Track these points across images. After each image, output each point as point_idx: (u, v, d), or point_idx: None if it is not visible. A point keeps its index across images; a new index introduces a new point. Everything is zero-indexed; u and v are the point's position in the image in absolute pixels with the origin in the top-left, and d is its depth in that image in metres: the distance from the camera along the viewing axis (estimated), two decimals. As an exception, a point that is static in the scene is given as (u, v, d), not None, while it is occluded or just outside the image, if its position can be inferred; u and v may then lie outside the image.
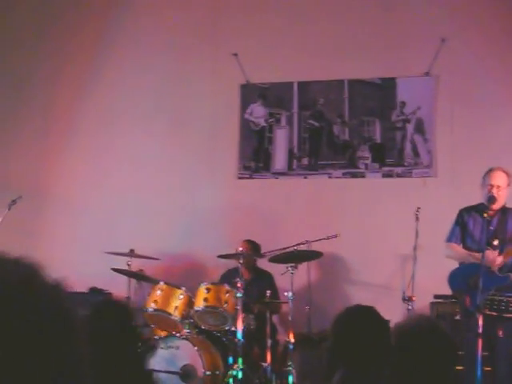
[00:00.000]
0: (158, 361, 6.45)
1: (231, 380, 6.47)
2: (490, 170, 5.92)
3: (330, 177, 8.00)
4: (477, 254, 5.65)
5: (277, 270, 7.24)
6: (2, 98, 8.73)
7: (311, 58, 8.08)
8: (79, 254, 8.16)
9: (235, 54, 8.16)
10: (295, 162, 8.12)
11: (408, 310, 5.89)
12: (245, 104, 8.26)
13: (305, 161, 8.10)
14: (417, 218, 6.04)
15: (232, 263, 7.08)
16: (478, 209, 5.89)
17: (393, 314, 7.05)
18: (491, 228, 5.73)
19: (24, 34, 8.77)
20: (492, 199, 5.78)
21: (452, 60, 7.69)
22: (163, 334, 6.86)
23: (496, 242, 5.66)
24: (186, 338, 6.69)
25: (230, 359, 6.64)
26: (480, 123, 7.64)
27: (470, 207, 6.02)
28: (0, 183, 8.42)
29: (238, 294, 6.59)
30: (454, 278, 5.86)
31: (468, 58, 7.71)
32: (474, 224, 5.94)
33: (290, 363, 6.69)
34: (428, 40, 7.77)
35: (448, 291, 5.98)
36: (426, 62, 7.71)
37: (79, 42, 8.63)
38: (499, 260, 5.64)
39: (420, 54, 7.79)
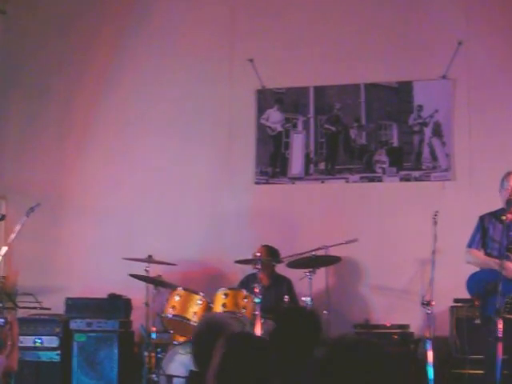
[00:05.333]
0: (176, 366, 6.47)
1: (250, 385, 6.49)
2: (509, 174, 5.90)
3: (347, 181, 8.00)
4: (497, 261, 5.63)
5: (295, 276, 7.26)
6: (19, 107, 8.80)
7: (327, 62, 8.10)
8: (97, 261, 8.23)
9: (251, 60, 8.18)
10: (312, 166, 8.12)
11: (427, 314, 5.88)
12: (261, 109, 8.27)
13: (322, 165, 8.10)
14: (435, 222, 6.03)
15: (250, 269, 7.10)
16: (498, 214, 5.86)
17: (412, 318, 7.13)
18: (511, 234, 5.72)
19: (41, 44, 8.82)
20: (511, 202, 5.76)
21: (469, 63, 7.69)
22: (182, 339, 6.89)
23: None
24: (205, 344, 6.71)
25: (249, 365, 6.65)
26: (498, 126, 7.63)
27: (491, 213, 6.00)
28: (18, 191, 8.50)
29: (256, 300, 6.61)
30: (473, 282, 5.86)
31: (485, 61, 7.69)
32: (494, 229, 5.92)
33: (309, 368, 6.70)
34: (445, 43, 7.77)
35: (467, 295, 5.96)
36: (442, 65, 7.70)
37: (95, 51, 8.67)
38: None
39: (437, 57, 7.78)
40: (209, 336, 3.28)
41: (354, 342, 2.30)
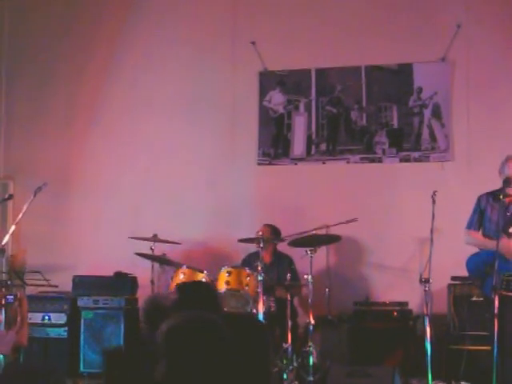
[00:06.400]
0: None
1: (253, 360, 6.64)
2: (508, 159, 5.92)
3: (347, 162, 8.09)
4: (494, 242, 5.71)
5: (296, 254, 7.38)
6: (27, 89, 8.87)
7: (328, 45, 8.16)
8: (104, 240, 8.32)
9: (253, 43, 8.24)
10: (313, 147, 8.21)
11: (425, 291, 5.99)
12: (263, 91, 8.35)
13: (323, 146, 8.19)
14: (433, 202, 6.08)
15: (253, 247, 7.20)
16: (496, 194, 5.90)
17: (410, 295, 7.26)
18: (508, 214, 5.80)
19: (47, 28, 8.88)
20: (508, 181, 5.82)
21: (468, 45, 7.74)
22: (187, 316, 7.02)
23: (511, 230, 5.73)
24: (209, 320, 6.85)
25: (252, 340, 6.80)
26: (496, 107, 7.71)
27: (488, 193, 6.04)
28: (26, 171, 8.60)
29: (259, 277, 6.74)
30: (472, 263, 5.92)
31: (483, 43, 7.75)
32: (491, 210, 5.96)
33: (310, 344, 6.84)
34: (444, 26, 7.83)
35: (465, 273, 6.04)
36: (442, 48, 7.77)
37: (102, 34, 8.73)
38: None
39: (436, 40, 7.84)
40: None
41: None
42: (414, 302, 7.25)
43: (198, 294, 3.78)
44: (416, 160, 7.90)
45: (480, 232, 6.04)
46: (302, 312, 7.53)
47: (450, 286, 7.07)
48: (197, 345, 2.34)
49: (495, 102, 7.73)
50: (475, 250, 6.04)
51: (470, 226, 6.09)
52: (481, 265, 5.79)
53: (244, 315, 3.83)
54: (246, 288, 6.86)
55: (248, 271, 6.92)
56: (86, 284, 7.78)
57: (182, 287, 4.11)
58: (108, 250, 8.19)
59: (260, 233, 7.09)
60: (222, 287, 6.88)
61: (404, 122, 7.99)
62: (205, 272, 7.03)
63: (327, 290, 7.62)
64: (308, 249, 7.05)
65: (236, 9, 8.43)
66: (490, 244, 5.77)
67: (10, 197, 7.58)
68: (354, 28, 8.12)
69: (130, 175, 8.49)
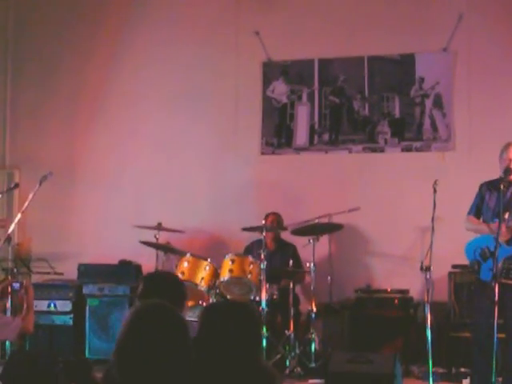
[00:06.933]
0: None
1: (256, 347, 6.72)
2: (509, 145, 6.02)
3: (350, 152, 8.15)
4: (491, 225, 5.84)
5: (299, 242, 7.46)
6: (32, 79, 8.92)
7: (332, 35, 8.20)
8: (109, 228, 8.40)
9: (257, 33, 8.29)
10: (316, 137, 8.27)
11: (426, 279, 6.04)
12: (267, 81, 8.40)
13: (325, 136, 8.25)
14: (435, 191, 6.10)
15: (256, 235, 7.28)
16: (496, 182, 5.99)
17: (412, 282, 7.32)
18: (504, 200, 5.84)
19: (52, 16, 8.93)
20: (509, 171, 5.92)
21: (469, 35, 7.78)
22: (190, 303, 7.06)
23: (507, 215, 5.80)
24: (213, 308, 6.93)
25: (255, 327, 6.88)
26: (497, 97, 7.75)
27: (490, 181, 6.14)
28: (31, 161, 8.66)
29: (262, 265, 6.83)
30: (470, 249, 6.00)
31: (485, 34, 7.79)
32: (490, 197, 6.07)
33: (312, 331, 6.95)
34: (446, 16, 7.86)
35: (465, 261, 6.11)
36: (443, 38, 7.81)
37: (106, 25, 8.79)
38: (507, 233, 5.79)
39: (438, 30, 7.88)
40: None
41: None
42: (415, 290, 7.31)
43: (159, 285, 3.93)
44: (417, 150, 7.96)
45: (481, 219, 6.13)
46: (305, 299, 7.60)
47: (450, 274, 7.14)
48: (146, 330, 2.41)
49: (496, 92, 7.77)
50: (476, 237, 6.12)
51: (469, 212, 6.21)
52: (478, 250, 5.89)
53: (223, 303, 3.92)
54: (249, 276, 6.95)
55: (251, 259, 7.00)
56: (91, 272, 7.86)
57: (146, 277, 4.29)
58: (113, 238, 8.27)
59: (269, 220, 7.20)
60: (225, 275, 6.97)
61: (406, 111, 8.04)
62: (208, 260, 7.12)
63: (329, 277, 7.70)
64: (310, 237, 7.14)
65: (239, -1, 8.48)
66: (485, 227, 5.92)
67: (16, 186, 7.66)
68: (357, 19, 8.16)
69: (135, 164, 8.56)
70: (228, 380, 2.73)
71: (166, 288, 3.83)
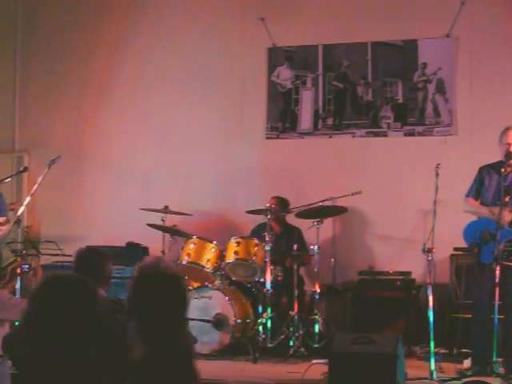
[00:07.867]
0: (191, 310, 6.79)
1: (261, 328, 6.84)
2: (507, 129, 6.11)
3: (353, 136, 8.23)
4: (492, 208, 5.94)
5: (303, 225, 7.56)
6: (40, 64, 9.00)
7: (335, 21, 8.26)
8: (116, 211, 8.50)
9: (262, 19, 8.35)
10: (320, 122, 8.34)
11: (428, 261, 6.11)
12: (272, 67, 8.47)
13: (329, 121, 8.32)
14: (437, 174, 6.16)
15: (262, 218, 7.34)
16: (496, 166, 6.11)
17: (414, 264, 7.41)
18: (505, 184, 5.96)
19: (62, 4, 9.01)
20: (509, 155, 6.02)
21: (472, 21, 7.83)
22: (196, 284, 7.20)
23: (507, 199, 5.90)
24: (218, 289, 7.04)
25: (260, 308, 6.99)
26: (498, 83, 7.81)
27: (489, 164, 6.23)
28: (40, 144, 8.76)
29: (267, 247, 6.93)
30: (469, 232, 6.11)
31: (487, 20, 7.84)
32: (489, 180, 6.16)
33: (316, 312, 7.06)
34: (448, 2, 7.90)
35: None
36: (446, 24, 7.84)
37: (112, 13, 8.86)
38: (508, 216, 5.89)
39: (440, 16, 7.92)
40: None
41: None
42: (417, 272, 7.40)
43: (83, 260, 4.59)
44: (420, 134, 8.03)
45: (479, 201, 6.23)
46: (308, 281, 7.70)
47: (452, 256, 7.22)
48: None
49: (498, 77, 7.83)
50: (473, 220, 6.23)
51: (468, 194, 6.30)
52: (477, 232, 6.00)
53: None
54: (254, 258, 7.05)
55: (256, 241, 7.10)
56: (98, 254, 7.95)
57: (77, 253, 4.80)
58: (120, 220, 8.36)
59: (268, 204, 7.29)
60: (230, 257, 7.08)
61: (409, 96, 8.11)
62: (214, 242, 7.22)
63: (333, 259, 7.80)
64: (315, 220, 7.24)
65: (245, -14, 8.54)
66: (485, 210, 6.03)
67: (25, 169, 7.73)
68: (361, 5, 8.21)
69: (142, 148, 8.64)
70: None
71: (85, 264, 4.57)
